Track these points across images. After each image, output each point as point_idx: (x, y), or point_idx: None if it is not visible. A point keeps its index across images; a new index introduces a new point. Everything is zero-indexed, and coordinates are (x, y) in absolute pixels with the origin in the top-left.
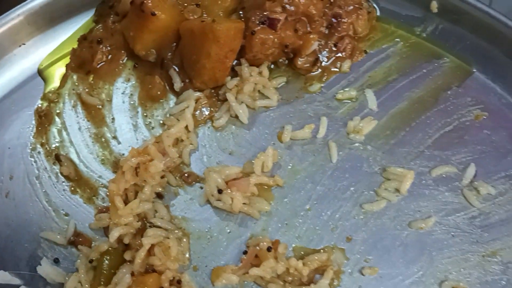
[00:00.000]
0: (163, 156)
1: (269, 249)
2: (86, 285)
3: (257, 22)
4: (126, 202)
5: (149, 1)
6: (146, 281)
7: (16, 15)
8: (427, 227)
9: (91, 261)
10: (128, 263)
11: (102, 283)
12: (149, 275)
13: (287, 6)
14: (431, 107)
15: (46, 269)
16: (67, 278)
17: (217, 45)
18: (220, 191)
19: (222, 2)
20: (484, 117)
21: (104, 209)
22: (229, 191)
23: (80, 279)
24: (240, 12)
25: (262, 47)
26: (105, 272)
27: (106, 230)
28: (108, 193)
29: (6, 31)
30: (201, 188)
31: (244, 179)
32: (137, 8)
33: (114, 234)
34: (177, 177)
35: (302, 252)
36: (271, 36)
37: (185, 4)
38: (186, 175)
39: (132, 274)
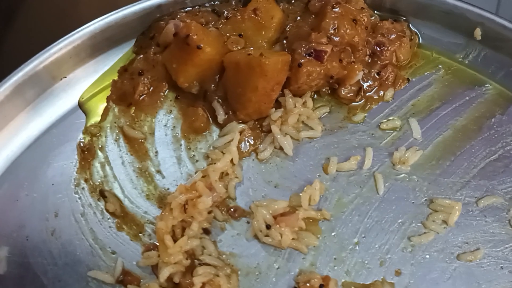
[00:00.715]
0: (210, 191)
1: (320, 286)
2: None
3: (304, 54)
4: (173, 238)
5: (195, 35)
6: None
7: (58, 49)
8: (476, 259)
9: None
10: None
11: None
12: None
13: (333, 36)
14: (475, 135)
15: None
16: None
17: (265, 79)
18: (268, 227)
19: (265, 33)
20: None
21: (151, 247)
22: (278, 227)
23: None
24: (284, 42)
25: (308, 79)
26: None
27: (154, 268)
28: (156, 231)
29: (48, 65)
30: (248, 222)
31: (292, 214)
32: (181, 41)
33: (165, 274)
34: (223, 212)
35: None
36: (318, 68)
37: (228, 35)
38: (232, 209)
39: None
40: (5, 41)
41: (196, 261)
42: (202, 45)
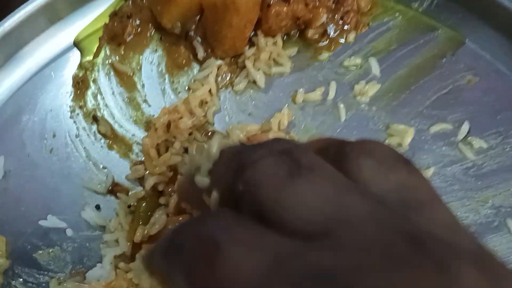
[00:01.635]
0: (190, 115)
1: None
2: (126, 226)
3: None
4: (158, 155)
5: None
6: (180, 220)
7: None
8: (427, 177)
9: (129, 206)
10: (163, 206)
11: (140, 223)
12: (182, 216)
13: None
14: (428, 73)
15: (89, 213)
16: (108, 221)
17: (238, 15)
18: None
19: None
20: (476, 81)
21: (139, 163)
22: None
23: (120, 221)
24: None
25: (276, 19)
26: (142, 214)
27: (141, 181)
28: (142, 148)
29: (44, 7)
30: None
31: (263, 134)
32: None
33: (150, 182)
34: (202, 135)
35: None
36: (285, 9)
37: None
38: (210, 133)
39: (167, 215)
40: None
41: (178, 174)
42: None
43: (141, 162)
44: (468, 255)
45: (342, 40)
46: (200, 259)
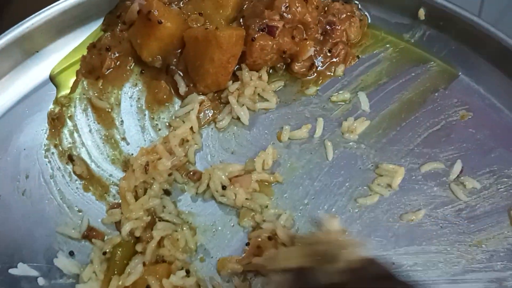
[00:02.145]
0: (170, 155)
1: (269, 238)
2: (101, 275)
3: (257, 29)
4: (136, 198)
5: (156, 10)
6: (157, 270)
7: (30, 24)
8: (417, 219)
9: (104, 253)
10: (140, 254)
11: (115, 272)
12: (159, 265)
13: (285, 14)
14: (419, 108)
15: (62, 261)
16: (82, 269)
17: (220, 51)
18: (224, 187)
19: (223, 11)
20: (469, 116)
21: (115, 205)
22: (233, 187)
23: (94, 269)
24: (241, 20)
25: (261, 53)
26: (118, 262)
27: (117, 225)
28: (119, 190)
29: (20, 39)
30: (207, 186)
31: (246, 175)
32: (144, 17)
33: (126, 228)
34: (183, 175)
35: None
36: (270, 43)
37: (189, 13)
38: (191, 173)
39: (144, 264)
40: None
41: (156, 218)
42: (163, 20)
43: (118, 205)
44: None
45: (330, 73)
46: None
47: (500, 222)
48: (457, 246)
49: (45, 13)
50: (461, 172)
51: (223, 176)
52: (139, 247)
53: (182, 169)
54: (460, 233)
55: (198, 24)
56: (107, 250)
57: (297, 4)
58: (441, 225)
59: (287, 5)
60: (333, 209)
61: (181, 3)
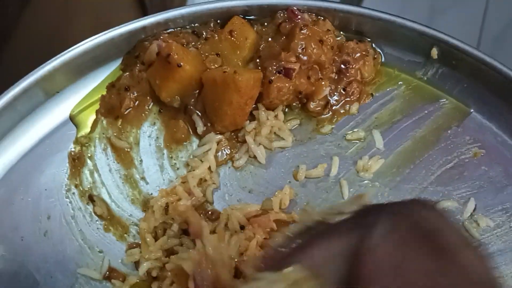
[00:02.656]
0: (189, 196)
1: None
2: None
3: (274, 72)
4: (155, 238)
5: (175, 54)
6: None
7: (51, 67)
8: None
9: None
10: None
11: None
12: None
13: (301, 56)
14: (433, 145)
15: None
16: None
17: (238, 94)
18: (242, 227)
19: (240, 52)
20: (482, 154)
21: (134, 245)
22: (251, 227)
23: None
24: (257, 61)
25: (278, 94)
26: None
27: (137, 265)
28: (139, 231)
29: (42, 81)
30: (226, 225)
31: (264, 215)
32: (164, 60)
33: (143, 268)
34: (201, 215)
35: None
36: (287, 84)
37: (206, 54)
38: (209, 212)
39: None
40: (2, 58)
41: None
42: (182, 63)
43: (137, 245)
44: None
45: (344, 111)
46: None
47: None
48: None
49: (66, 55)
50: (474, 210)
51: (241, 216)
52: (154, 286)
53: (200, 208)
54: None
55: (216, 65)
56: None
57: (313, 46)
58: None
59: (303, 46)
60: None
61: (198, 43)
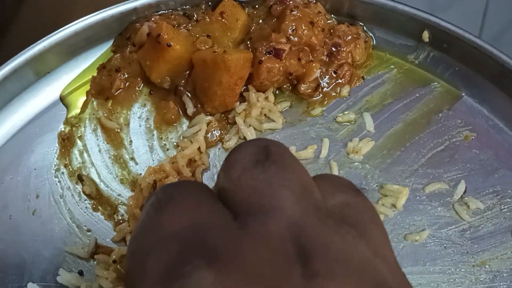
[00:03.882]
0: (177, 174)
1: None
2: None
3: (264, 52)
4: None
5: (165, 34)
6: None
7: (42, 46)
8: (421, 240)
9: (114, 261)
10: None
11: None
12: None
13: (291, 37)
14: (423, 128)
15: (71, 280)
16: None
17: (228, 73)
18: None
19: (231, 34)
20: (473, 137)
21: (121, 221)
22: None
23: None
24: (248, 43)
25: (268, 75)
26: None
27: (127, 240)
28: (127, 209)
29: (32, 61)
30: None
31: None
32: (154, 40)
33: None
34: None
35: None
36: (277, 65)
37: (197, 35)
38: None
39: None
40: (2, 42)
41: None
42: (172, 43)
43: (124, 221)
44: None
45: (335, 94)
46: (155, 204)
47: (503, 242)
48: (461, 267)
49: (57, 35)
50: (464, 192)
51: None
52: None
53: None
54: (463, 253)
55: (206, 46)
56: (116, 259)
57: (303, 27)
58: (445, 245)
59: (293, 28)
60: None
61: (190, 25)
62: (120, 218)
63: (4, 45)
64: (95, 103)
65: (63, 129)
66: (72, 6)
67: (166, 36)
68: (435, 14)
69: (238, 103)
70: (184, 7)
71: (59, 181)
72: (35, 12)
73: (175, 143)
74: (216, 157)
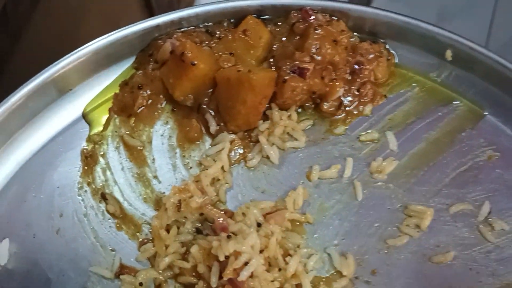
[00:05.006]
0: (201, 194)
1: None
2: None
3: (288, 71)
4: None
5: (190, 52)
6: None
7: (65, 64)
8: (446, 261)
9: (141, 284)
10: None
11: None
12: None
13: (315, 56)
14: (447, 148)
15: None
16: None
17: (253, 93)
18: (259, 225)
19: (254, 52)
20: (496, 157)
21: (146, 241)
22: (267, 225)
23: None
24: (271, 61)
25: (292, 94)
26: None
27: (151, 260)
28: (151, 229)
29: (56, 78)
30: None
31: (280, 211)
32: (177, 58)
33: (164, 263)
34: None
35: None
36: (301, 84)
37: (220, 53)
38: (223, 211)
39: None
40: (13, 58)
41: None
42: (196, 62)
43: (149, 241)
44: None
45: (358, 113)
46: None
47: None
48: None
49: (79, 53)
50: (489, 213)
51: (257, 214)
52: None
53: (214, 207)
54: (489, 275)
55: (229, 64)
56: (143, 281)
57: (327, 46)
58: (470, 267)
59: (317, 47)
60: (363, 250)
61: (212, 42)
62: (144, 237)
63: (18, 51)
64: (117, 120)
65: (86, 146)
66: (84, 11)
67: (190, 55)
68: (441, 24)
69: (261, 121)
70: (206, 24)
71: (83, 200)
72: (48, 17)
73: (198, 161)
74: (239, 176)
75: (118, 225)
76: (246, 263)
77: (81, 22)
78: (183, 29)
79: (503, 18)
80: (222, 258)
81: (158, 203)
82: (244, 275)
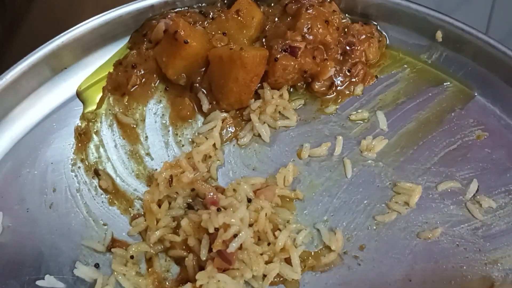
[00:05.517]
0: (193, 170)
1: None
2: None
3: (280, 50)
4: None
5: (182, 31)
6: None
7: (59, 42)
8: (434, 237)
9: (132, 257)
10: None
11: None
12: None
13: (306, 35)
14: (436, 127)
15: (87, 272)
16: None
17: (244, 70)
18: (249, 200)
19: (246, 31)
20: (485, 137)
21: (137, 215)
22: (258, 200)
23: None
24: (263, 40)
25: (283, 73)
26: None
27: (143, 234)
28: (143, 203)
29: (49, 57)
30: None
31: (270, 187)
32: (171, 37)
33: (155, 237)
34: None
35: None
36: (292, 63)
37: (213, 33)
38: (214, 188)
39: None
40: (10, 46)
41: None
42: (188, 40)
43: (140, 215)
44: None
45: (349, 93)
46: None
47: None
48: (473, 264)
49: (74, 32)
50: (477, 191)
51: (248, 190)
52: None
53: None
54: (476, 251)
55: (222, 44)
56: (134, 255)
57: (318, 26)
58: (457, 243)
59: (309, 26)
60: (352, 226)
61: (206, 22)
62: (135, 212)
63: (16, 42)
64: (111, 99)
65: (79, 124)
66: (82, 3)
67: (183, 33)
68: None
69: (253, 100)
70: (200, 4)
71: (76, 176)
72: (45, 10)
73: (190, 139)
74: (231, 154)
75: (110, 200)
76: (235, 235)
77: (79, 14)
78: (177, 9)
79: (502, 10)
80: (211, 230)
81: (150, 179)
82: (233, 247)
